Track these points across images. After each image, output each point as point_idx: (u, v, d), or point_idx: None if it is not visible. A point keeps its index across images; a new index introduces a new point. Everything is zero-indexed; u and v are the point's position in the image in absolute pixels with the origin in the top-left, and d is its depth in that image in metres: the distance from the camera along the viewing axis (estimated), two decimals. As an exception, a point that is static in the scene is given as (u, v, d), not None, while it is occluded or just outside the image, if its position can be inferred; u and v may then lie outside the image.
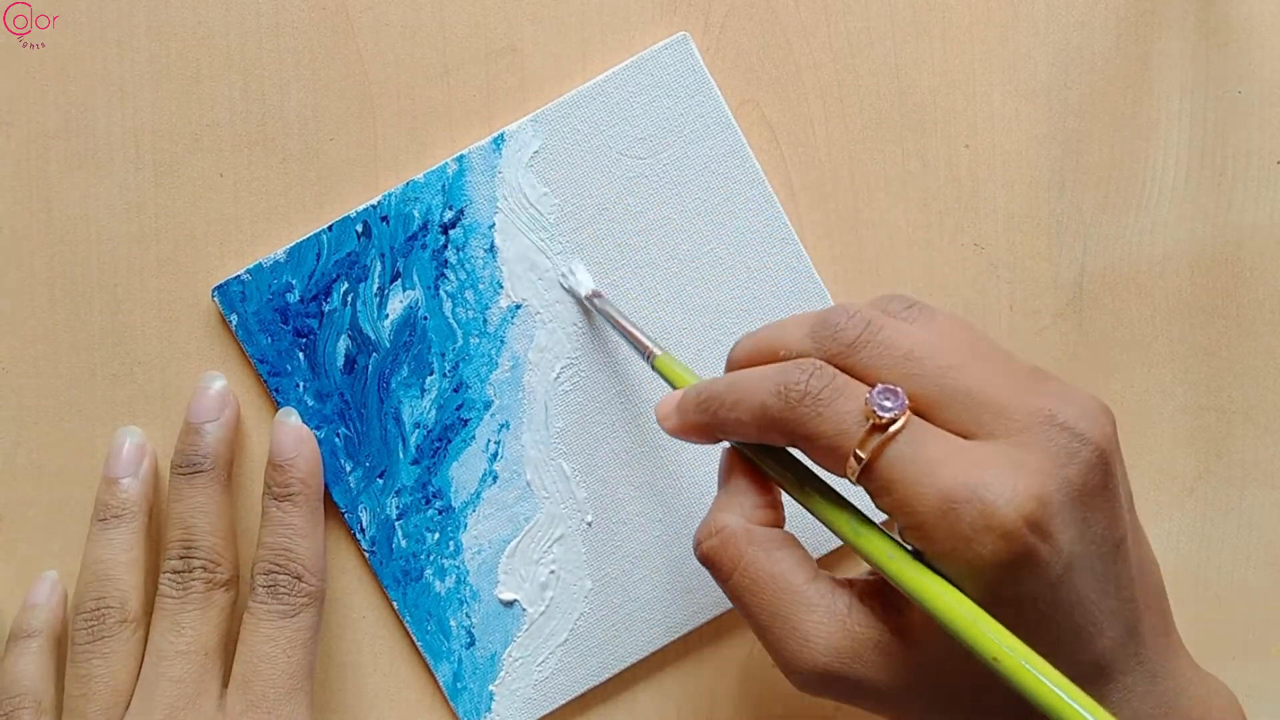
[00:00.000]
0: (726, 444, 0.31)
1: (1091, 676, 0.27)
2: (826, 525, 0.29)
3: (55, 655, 0.36)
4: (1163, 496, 0.40)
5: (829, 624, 0.28)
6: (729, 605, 0.38)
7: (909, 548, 0.27)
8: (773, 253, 0.38)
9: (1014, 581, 0.25)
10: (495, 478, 0.38)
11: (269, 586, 0.35)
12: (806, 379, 0.27)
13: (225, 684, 0.35)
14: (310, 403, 0.38)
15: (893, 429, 0.26)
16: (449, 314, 0.38)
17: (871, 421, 0.26)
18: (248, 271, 0.37)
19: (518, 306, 0.38)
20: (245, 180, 0.38)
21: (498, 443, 0.38)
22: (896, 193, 0.39)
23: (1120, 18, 0.39)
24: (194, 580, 0.35)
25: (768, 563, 0.29)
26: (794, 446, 0.28)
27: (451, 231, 0.38)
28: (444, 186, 0.38)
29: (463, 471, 0.38)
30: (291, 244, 0.37)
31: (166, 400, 0.38)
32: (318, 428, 0.37)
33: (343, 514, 0.38)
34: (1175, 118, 0.39)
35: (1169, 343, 0.40)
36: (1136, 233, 0.40)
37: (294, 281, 0.37)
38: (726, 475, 0.30)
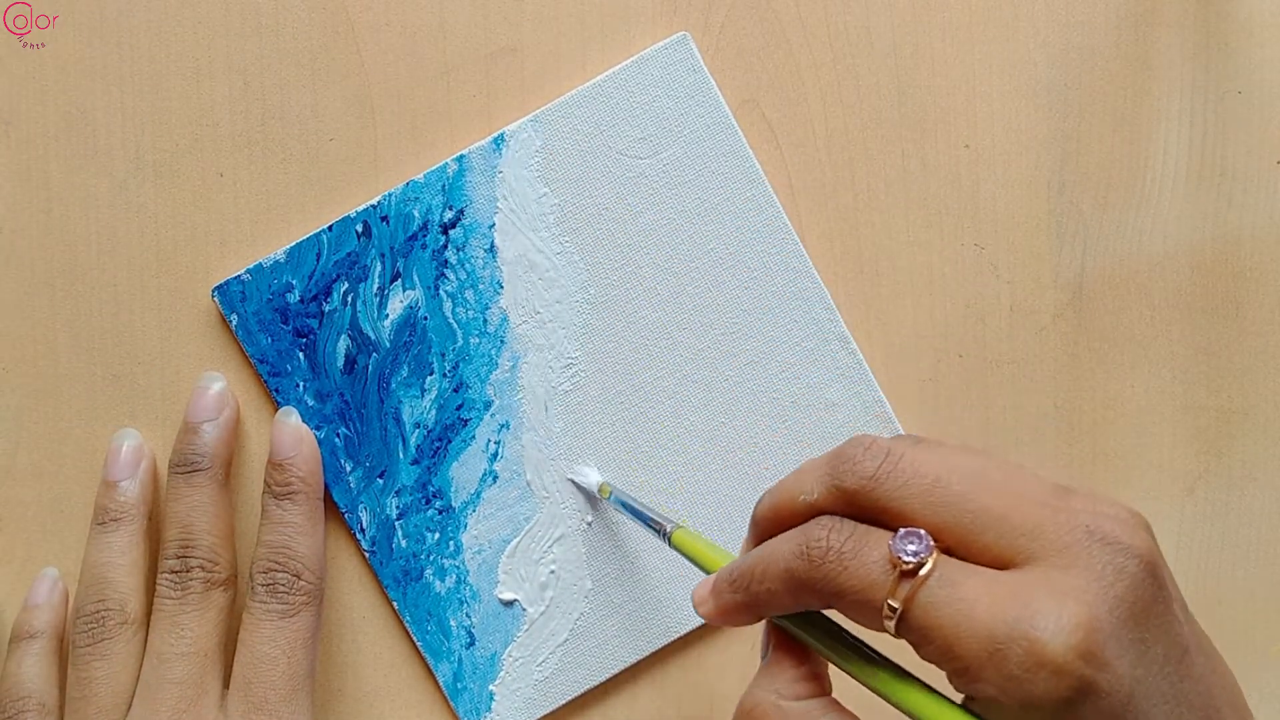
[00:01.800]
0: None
1: None
2: (873, 691, 0.27)
3: (58, 656, 0.36)
4: (1163, 496, 0.40)
5: None
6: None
7: (960, 703, 0.26)
8: (773, 253, 0.38)
9: (1076, 718, 0.24)
10: (495, 478, 0.38)
11: (268, 585, 0.35)
12: (827, 535, 0.26)
13: (225, 684, 0.35)
14: (310, 403, 0.38)
15: (922, 572, 0.25)
16: (449, 314, 0.38)
17: (899, 569, 0.25)
18: (248, 271, 0.37)
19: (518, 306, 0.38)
20: (245, 180, 0.38)
21: (498, 443, 0.38)
22: (896, 193, 0.39)
23: (1120, 18, 0.39)
24: (192, 580, 0.35)
25: None
26: (828, 607, 0.27)
27: (451, 231, 0.38)
28: (444, 186, 0.38)
29: (463, 471, 0.38)
30: (291, 244, 0.37)
31: (166, 400, 0.38)
32: (318, 428, 0.37)
33: (343, 514, 0.38)
34: (1175, 118, 0.39)
35: (1169, 343, 0.40)
36: (1136, 233, 0.40)
37: (294, 281, 0.37)
38: (765, 648, 0.29)
